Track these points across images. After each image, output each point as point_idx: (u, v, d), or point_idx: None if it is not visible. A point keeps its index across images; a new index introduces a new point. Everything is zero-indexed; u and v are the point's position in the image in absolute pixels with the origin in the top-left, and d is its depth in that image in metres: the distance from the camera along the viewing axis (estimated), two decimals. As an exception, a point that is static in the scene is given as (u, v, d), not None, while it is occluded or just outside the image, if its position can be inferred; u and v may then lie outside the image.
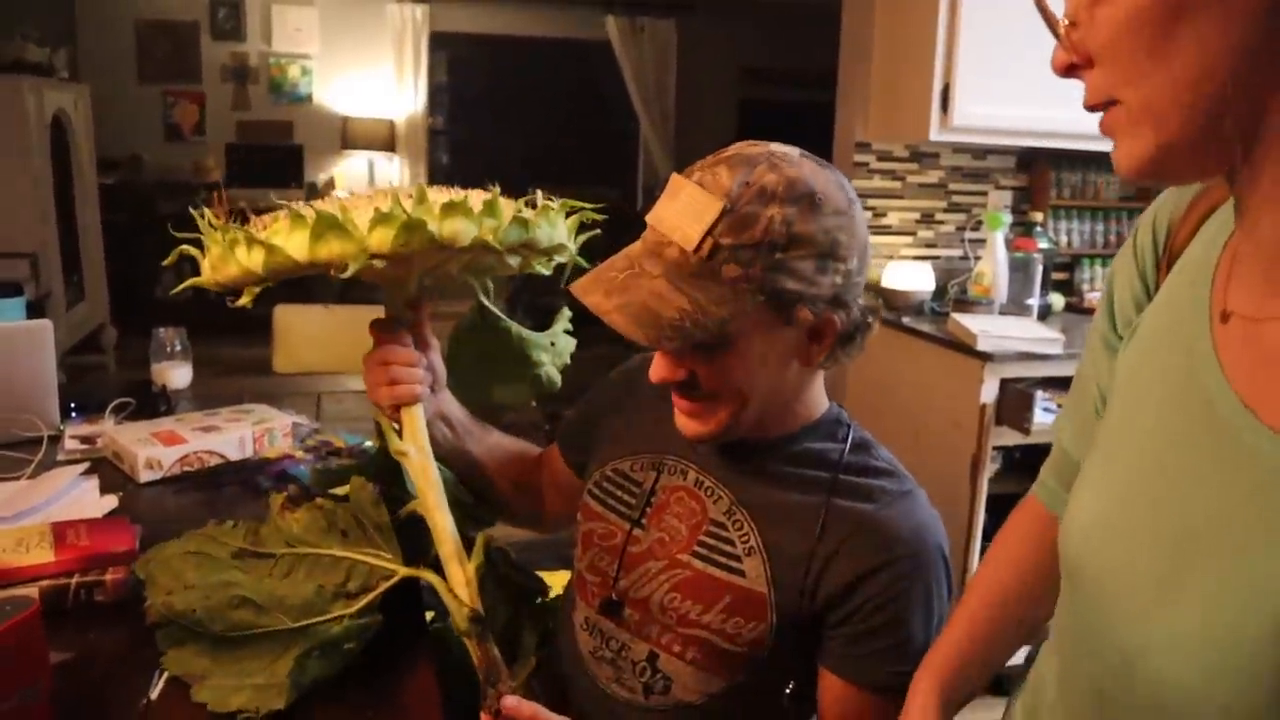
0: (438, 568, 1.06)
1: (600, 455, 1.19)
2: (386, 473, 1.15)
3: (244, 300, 0.98)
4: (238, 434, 1.69)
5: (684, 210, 0.93)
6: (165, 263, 1.10)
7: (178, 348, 2.10)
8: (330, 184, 6.80)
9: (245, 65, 6.68)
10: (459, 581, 1.04)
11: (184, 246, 1.03)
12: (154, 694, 0.99)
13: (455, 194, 0.98)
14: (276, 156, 6.76)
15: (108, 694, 1.00)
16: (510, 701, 0.96)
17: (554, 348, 1.27)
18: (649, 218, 0.98)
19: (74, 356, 4.99)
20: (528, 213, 1.02)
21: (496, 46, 7.37)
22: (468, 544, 1.08)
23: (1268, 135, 0.55)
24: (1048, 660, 0.79)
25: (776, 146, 0.98)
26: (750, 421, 1.03)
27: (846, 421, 1.10)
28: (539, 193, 1.06)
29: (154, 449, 1.59)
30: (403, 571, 1.07)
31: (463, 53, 7.43)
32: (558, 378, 1.27)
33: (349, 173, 6.91)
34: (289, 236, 0.93)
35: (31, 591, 1.12)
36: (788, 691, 1.05)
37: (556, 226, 1.05)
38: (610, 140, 7.88)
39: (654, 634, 1.07)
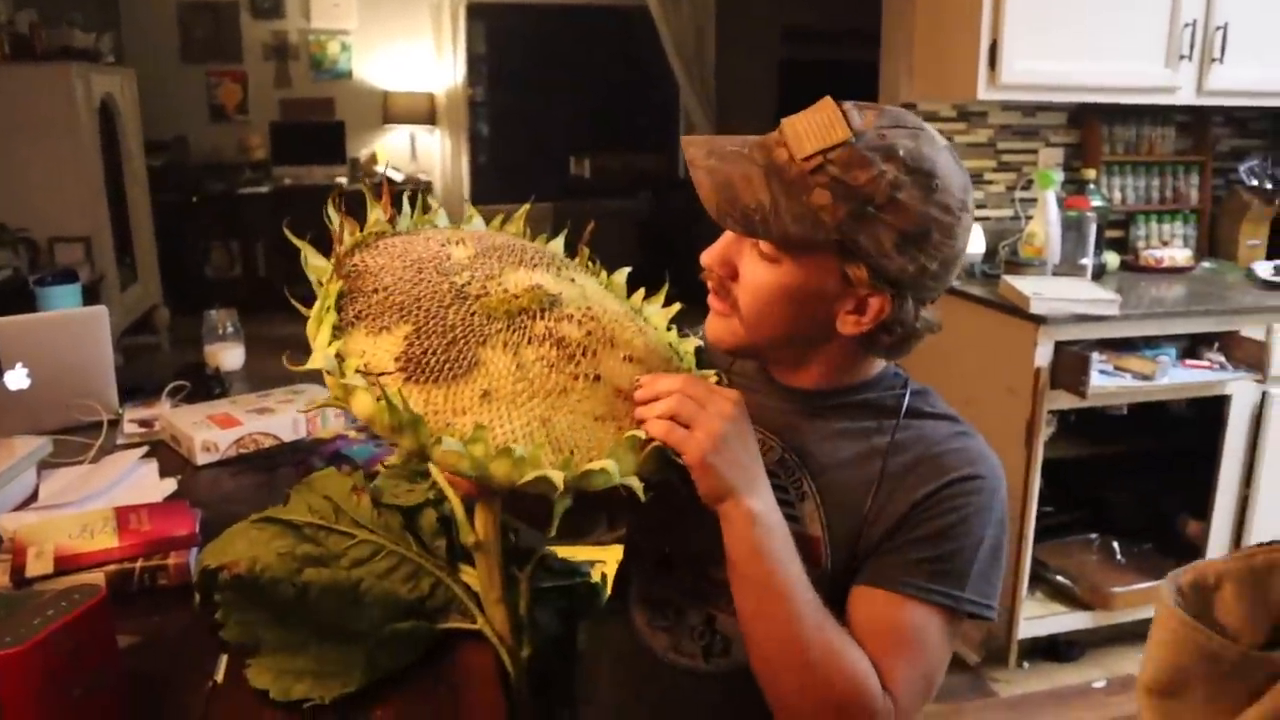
0: None
1: None
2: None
3: None
4: (291, 415, 1.71)
5: (814, 124, 0.93)
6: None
7: (229, 330, 2.12)
8: (372, 159, 6.84)
9: (285, 43, 6.71)
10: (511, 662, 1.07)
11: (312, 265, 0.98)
12: (219, 676, 1.01)
13: None
14: (319, 133, 6.81)
15: (174, 677, 1.02)
16: None
17: None
18: (784, 119, 0.97)
19: (129, 338, 5.08)
20: None
21: (534, 16, 7.33)
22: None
23: None
24: None
25: (934, 129, 0.96)
26: (760, 350, 1.03)
27: (904, 375, 1.08)
28: None
29: (210, 432, 1.62)
30: (482, 625, 1.07)
31: (501, 23, 7.38)
32: None
33: (390, 147, 6.94)
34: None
35: (97, 577, 1.15)
36: None
37: None
38: (650, 106, 7.82)
39: (708, 593, 1.06)
